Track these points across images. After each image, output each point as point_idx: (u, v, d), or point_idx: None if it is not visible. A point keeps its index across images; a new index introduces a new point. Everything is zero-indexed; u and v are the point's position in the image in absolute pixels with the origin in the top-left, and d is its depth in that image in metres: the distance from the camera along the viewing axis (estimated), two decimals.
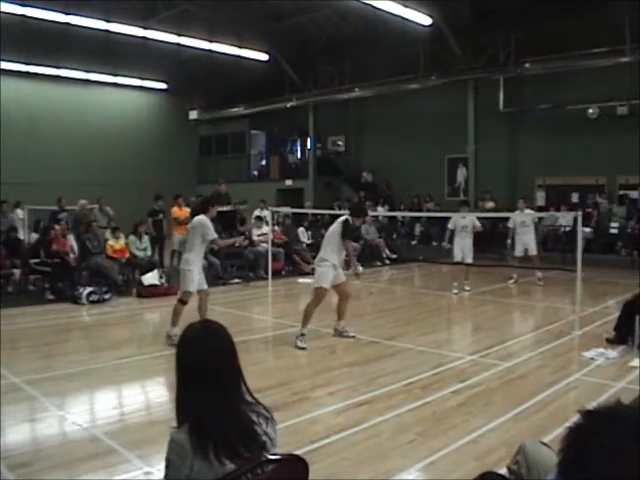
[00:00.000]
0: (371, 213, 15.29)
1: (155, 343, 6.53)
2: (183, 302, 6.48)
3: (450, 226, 10.36)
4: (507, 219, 13.60)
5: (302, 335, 6.40)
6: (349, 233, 6.61)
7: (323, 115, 20.45)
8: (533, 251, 10.81)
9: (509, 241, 11.22)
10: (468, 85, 16.63)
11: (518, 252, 10.97)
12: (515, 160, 16.83)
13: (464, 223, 10.12)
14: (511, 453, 2.54)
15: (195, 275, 6.46)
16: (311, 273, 6.92)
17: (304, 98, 19.45)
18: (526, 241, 10.80)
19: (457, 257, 10.18)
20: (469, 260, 10.18)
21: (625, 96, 14.12)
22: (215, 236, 6.54)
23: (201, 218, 6.50)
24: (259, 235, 12.47)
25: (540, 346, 6.41)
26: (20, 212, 14.56)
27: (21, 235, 12.48)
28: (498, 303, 9.57)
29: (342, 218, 6.67)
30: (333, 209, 15.30)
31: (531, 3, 14.19)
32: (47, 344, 6.73)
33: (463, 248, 10.08)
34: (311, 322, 6.60)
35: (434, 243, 16.24)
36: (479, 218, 10.88)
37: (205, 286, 6.65)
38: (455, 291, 10.11)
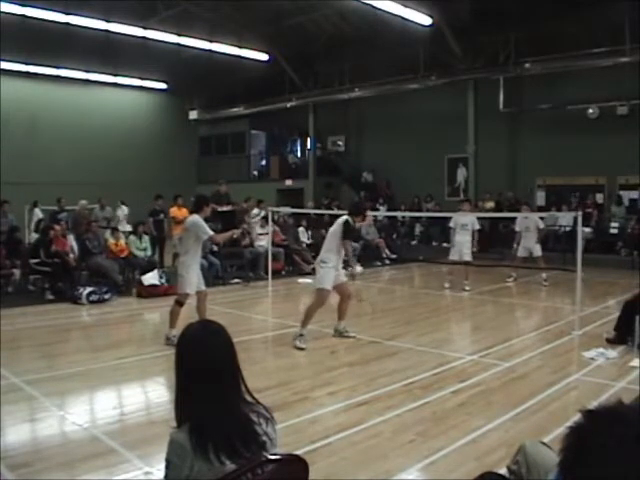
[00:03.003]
0: (371, 213, 15.38)
1: (155, 343, 6.53)
2: (180, 304, 6.47)
3: (452, 224, 10.44)
4: (508, 219, 13.66)
5: (301, 335, 6.38)
6: (350, 234, 6.57)
7: (323, 115, 20.44)
8: (538, 253, 10.89)
9: (515, 245, 11.24)
10: (468, 85, 16.62)
11: (521, 253, 11.04)
12: (515, 160, 16.83)
13: (464, 221, 10.19)
14: (511, 453, 2.54)
15: (193, 277, 6.44)
16: (311, 273, 6.89)
17: (304, 98, 19.45)
18: (530, 246, 10.88)
19: (453, 256, 10.29)
20: (468, 258, 10.24)
21: (625, 96, 14.13)
22: (210, 233, 6.43)
23: (193, 218, 6.43)
24: (259, 234, 12.48)
25: (540, 346, 6.41)
26: (39, 212, 14.63)
27: (34, 234, 12.63)
28: (498, 303, 9.58)
29: (342, 219, 6.62)
30: (332, 209, 15.32)
31: (531, 3, 14.17)
32: (47, 344, 6.73)
33: (461, 247, 10.15)
34: (311, 322, 6.60)
35: (434, 243, 16.27)
36: (480, 218, 10.93)
37: (203, 287, 6.63)
38: (447, 285, 10.24)
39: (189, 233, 6.44)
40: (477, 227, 10.31)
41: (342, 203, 16.80)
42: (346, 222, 6.53)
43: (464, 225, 10.17)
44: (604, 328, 6.86)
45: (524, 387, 4.99)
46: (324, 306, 6.87)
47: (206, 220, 6.63)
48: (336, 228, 6.58)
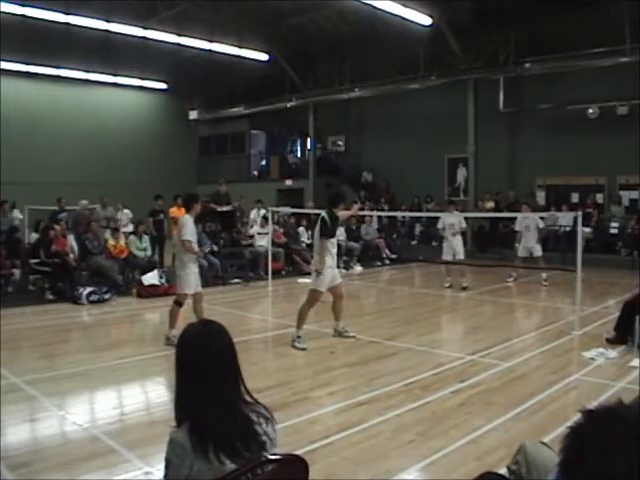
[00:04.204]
0: (371, 213, 15.40)
1: (155, 343, 6.53)
2: (179, 304, 6.47)
3: (439, 226, 10.55)
4: (508, 219, 13.66)
5: (298, 337, 6.37)
6: (327, 230, 6.43)
7: (323, 115, 20.43)
8: (538, 253, 10.90)
9: (517, 245, 11.24)
10: (468, 85, 16.61)
11: (521, 253, 11.05)
12: (515, 160, 16.83)
13: (451, 221, 10.31)
14: (511, 453, 2.54)
15: (191, 277, 6.45)
16: (311, 273, 6.88)
17: (304, 98, 19.44)
18: (530, 246, 10.89)
19: (446, 256, 10.40)
20: (461, 256, 10.33)
21: (625, 96, 14.13)
22: (187, 238, 6.32)
23: (184, 218, 6.46)
24: (259, 234, 12.49)
25: (540, 346, 6.41)
26: (17, 212, 14.59)
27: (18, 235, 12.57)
28: (498, 303, 9.58)
29: (320, 216, 6.57)
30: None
31: (531, 3, 14.17)
32: (47, 344, 6.73)
33: (453, 246, 10.24)
34: (311, 322, 6.60)
35: (434, 243, 16.26)
36: (479, 218, 10.96)
37: (199, 288, 6.63)
38: (447, 284, 10.26)
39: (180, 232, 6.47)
40: (463, 225, 10.46)
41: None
42: (321, 219, 6.46)
43: (452, 225, 10.28)
44: (604, 328, 6.85)
45: (524, 387, 4.99)
46: (325, 306, 6.88)
47: (201, 217, 6.58)
48: (317, 228, 6.53)
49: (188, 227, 6.37)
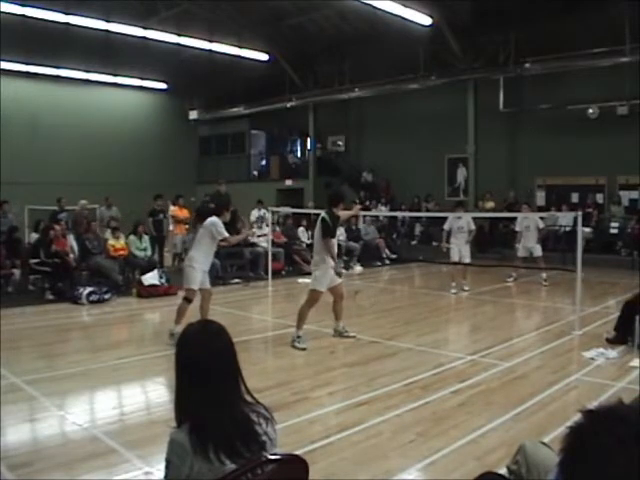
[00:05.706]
0: (371, 213, 15.40)
1: (155, 343, 6.53)
2: (188, 300, 6.53)
3: (446, 227, 10.43)
4: (507, 219, 13.66)
5: (298, 337, 6.37)
6: (328, 230, 6.43)
7: (323, 115, 20.43)
8: (538, 253, 10.90)
9: (517, 245, 11.22)
10: (468, 85, 16.61)
11: (521, 253, 11.05)
12: (515, 160, 16.82)
13: (460, 224, 10.22)
14: (511, 453, 2.54)
15: (198, 273, 6.52)
16: (311, 273, 6.89)
17: (304, 98, 19.44)
18: (530, 246, 10.89)
19: (454, 257, 10.28)
20: (467, 260, 10.26)
21: (625, 96, 14.12)
22: (225, 235, 6.59)
23: (214, 219, 6.60)
24: (259, 236, 12.49)
25: (540, 346, 6.42)
26: None
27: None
28: (498, 303, 9.58)
29: (320, 216, 6.56)
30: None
31: (531, 3, 14.17)
32: (47, 344, 6.74)
33: (460, 248, 10.16)
34: (311, 322, 6.60)
35: (434, 243, 16.24)
36: (479, 218, 10.91)
37: (208, 285, 6.71)
38: (453, 291, 10.16)
39: (206, 231, 6.58)
40: (472, 227, 10.37)
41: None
42: (322, 220, 6.45)
43: (460, 227, 10.20)
44: (604, 328, 6.86)
45: (524, 387, 4.99)
46: (325, 306, 6.88)
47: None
48: (318, 228, 6.52)
49: (222, 225, 6.56)
